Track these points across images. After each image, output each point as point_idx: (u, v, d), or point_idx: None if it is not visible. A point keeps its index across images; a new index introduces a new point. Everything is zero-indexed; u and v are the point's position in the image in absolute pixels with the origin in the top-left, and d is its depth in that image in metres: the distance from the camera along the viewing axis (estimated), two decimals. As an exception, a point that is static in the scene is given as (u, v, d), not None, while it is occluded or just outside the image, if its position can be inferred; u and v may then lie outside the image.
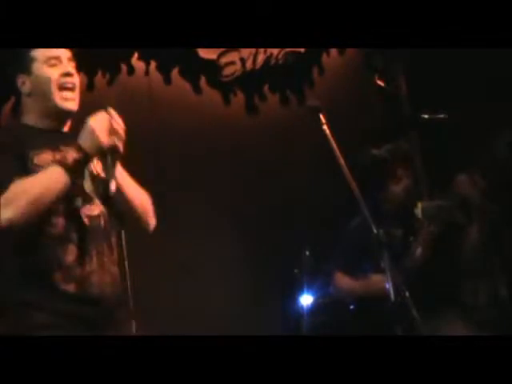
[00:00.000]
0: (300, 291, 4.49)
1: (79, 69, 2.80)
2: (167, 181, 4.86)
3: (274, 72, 5.33)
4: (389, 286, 3.10)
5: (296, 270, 4.55)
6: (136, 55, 5.00)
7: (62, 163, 2.49)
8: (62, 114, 2.70)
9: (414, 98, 5.32)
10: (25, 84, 2.68)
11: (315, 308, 4.44)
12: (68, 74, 2.67)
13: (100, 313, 2.56)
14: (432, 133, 4.79)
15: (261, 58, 5.26)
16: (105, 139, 2.53)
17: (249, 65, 5.27)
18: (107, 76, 4.92)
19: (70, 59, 2.70)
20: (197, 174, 5.00)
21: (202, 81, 5.21)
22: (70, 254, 2.54)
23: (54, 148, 2.61)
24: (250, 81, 5.31)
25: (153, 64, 5.07)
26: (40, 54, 2.66)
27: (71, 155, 2.50)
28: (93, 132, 2.52)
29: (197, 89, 5.20)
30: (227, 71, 5.23)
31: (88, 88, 4.73)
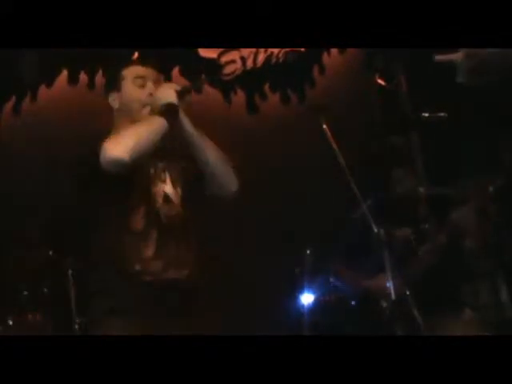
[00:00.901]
0: (301, 290, 4.49)
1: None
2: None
3: (274, 71, 5.33)
4: (389, 285, 3.11)
5: (297, 270, 4.55)
6: (136, 54, 5.00)
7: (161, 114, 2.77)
8: None
9: (414, 97, 5.32)
10: (115, 101, 2.89)
11: (316, 307, 4.43)
12: (151, 94, 2.87)
13: (177, 299, 2.77)
14: (432, 132, 4.79)
15: (261, 56, 5.27)
16: None
17: (249, 63, 5.27)
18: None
19: (156, 80, 2.95)
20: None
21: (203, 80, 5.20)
22: (150, 249, 2.76)
23: None
24: (250, 79, 5.31)
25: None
26: (129, 73, 2.90)
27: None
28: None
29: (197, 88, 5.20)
30: (228, 70, 5.23)
31: (89, 87, 4.74)
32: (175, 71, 5.14)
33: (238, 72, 5.26)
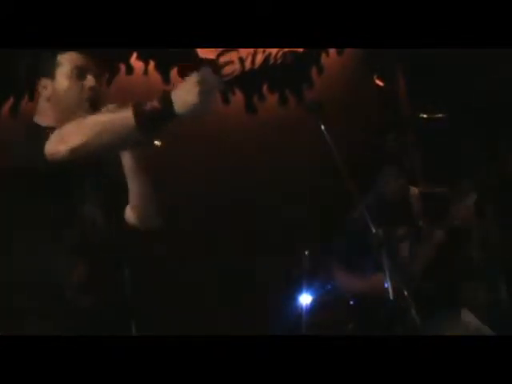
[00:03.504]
0: (300, 291, 4.49)
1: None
2: (166, 181, 4.86)
3: (272, 71, 5.34)
4: (388, 285, 3.11)
5: (295, 270, 4.55)
6: (135, 55, 5.01)
7: (137, 110, 2.20)
8: None
9: (413, 97, 5.33)
10: (46, 89, 2.63)
11: (315, 307, 4.44)
12: (92, 88, 2.61)
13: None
14: (431, 132, 4.80)
15: (260, 57, 5.27)
16: None
17: (248, 64, 5.27)
18: (106, 75, 4.92)
19: (97, 74, 2.66)
20: (196, 173, 5.00)
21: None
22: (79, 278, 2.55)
23: None
24: (249, 80, 5.31)
25: (152, 63, 5.07)
26: (66, 60, 2.62)
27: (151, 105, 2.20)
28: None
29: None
30: (226, 71, 5.24)
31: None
32: (174, 72, 5.14)
33: (236, 73, 5.26)
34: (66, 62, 2.63)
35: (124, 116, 2.23)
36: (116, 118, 2.27)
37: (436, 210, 3.86)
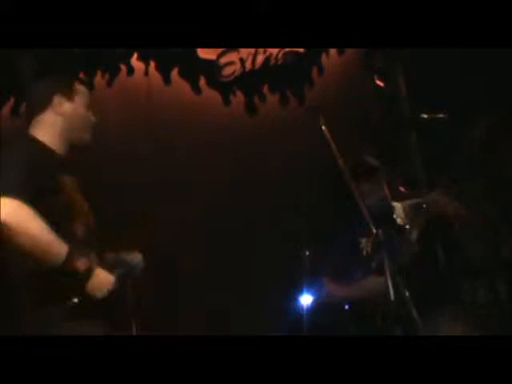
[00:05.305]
0: (300, 291, 4.49)
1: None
2: (166, 180, 4.87)
3: (273, 72, 5.33)
4: (388, 286, 3.10)
5: (295, 270, 4.55)
6: (135, 55, 5.01)
7: None
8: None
9: (413, 97, 5.32)
10: (62, 106, 2.93)
11: (315, 308, 4.44)
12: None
13: None
14: (431, 133, 4.79)
15: (260, 58, 5.26)
16: None
17: (248, 65, 5.26)
18: (107, 76, 4.92)
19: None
20: (196, 173, 5.00)
21: (202, 81, 5.22)
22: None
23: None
24: (249, 81, 5.31)
25: (152, 64, 5.07)
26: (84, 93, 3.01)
27: None
28: None
29: (196, 89, 5.21)
30: (227, 71, 5.23)
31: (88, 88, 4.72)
32: (174, 72, 5.14)
33: (237, 73, 5.26)
34: (84, 94, 3.01)
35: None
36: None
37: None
